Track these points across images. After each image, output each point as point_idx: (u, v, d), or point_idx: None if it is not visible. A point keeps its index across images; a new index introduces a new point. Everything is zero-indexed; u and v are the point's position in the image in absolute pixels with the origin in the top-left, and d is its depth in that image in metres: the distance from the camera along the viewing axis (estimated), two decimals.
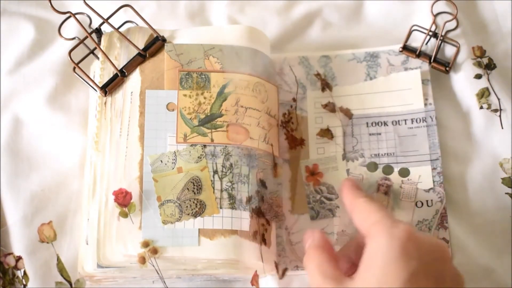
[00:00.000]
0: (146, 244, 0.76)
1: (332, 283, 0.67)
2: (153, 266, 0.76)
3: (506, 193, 0.85)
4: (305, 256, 0.72)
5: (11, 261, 0.82)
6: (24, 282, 0.80)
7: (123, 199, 0.78)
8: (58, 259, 0.83)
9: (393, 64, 0.92)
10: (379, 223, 0.67)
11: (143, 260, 0.76)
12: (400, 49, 0.92)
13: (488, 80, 0.90)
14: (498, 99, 0.89)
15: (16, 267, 0.82)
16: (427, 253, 0.65)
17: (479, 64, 0.91)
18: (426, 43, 0.92)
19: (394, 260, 0.64)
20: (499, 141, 0.88)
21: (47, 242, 0.83)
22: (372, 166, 0.88)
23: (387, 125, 0.89)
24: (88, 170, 0.83)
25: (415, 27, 0.92)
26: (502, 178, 0.86)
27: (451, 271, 0.68)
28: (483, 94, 0.90)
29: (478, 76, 0.91)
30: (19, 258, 0.82)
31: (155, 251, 0.76)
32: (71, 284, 0.82)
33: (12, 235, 0.84)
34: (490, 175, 0.87)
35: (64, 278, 0.82)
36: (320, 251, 0.71)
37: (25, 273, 0.80)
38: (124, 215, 0.78)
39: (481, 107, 0.89)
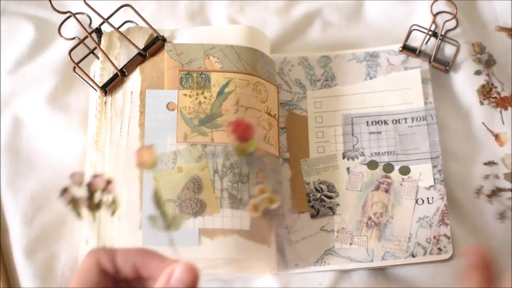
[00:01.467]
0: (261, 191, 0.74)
1: None
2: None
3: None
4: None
5: (100, 182, 0.75)
6: (112, 209, 0.74)
7: (243, 132, 0.67)
8: None
9: (393, 64, 0.93)
10: None
11: (255, 208, 0.73)
12: (400, 49, 0.93)
13: (488, 76, 0.90)
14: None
15: (106, 190, 0.76)
16: None
17: (479, 61, 0.91)
18: (426, 43, 0.92)
19: None
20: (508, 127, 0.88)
21: (145, 168, 0.76)
22: (373, 165, 0.88)
23: (387, 124, 0.89)
24: (88, 169, 0.83)
25: (414, 27, 0.92)
26: (504, 174, 0.86)
27: None
28: (483, 90, 0.90)
29: (478, 72, 0.91)
30: (109, 181, 0.75)
31: (271, 200, 0.75)
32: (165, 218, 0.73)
33: (12, 235, 0.84)
34: (500, 163, 0.87)
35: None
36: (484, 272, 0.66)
37: (114, 199, 0.73)
38: (241, 152, 0.68)
39: (482, 103, 0.89)
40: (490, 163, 0.87)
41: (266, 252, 0.79)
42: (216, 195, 0.78)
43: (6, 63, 0.93)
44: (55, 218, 0.85)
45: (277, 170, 0.84)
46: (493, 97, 0.89)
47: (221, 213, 0.78)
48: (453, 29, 0.92)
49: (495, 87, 0.90)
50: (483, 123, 0.89)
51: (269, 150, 0.83)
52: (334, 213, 0.86)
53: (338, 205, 0.86)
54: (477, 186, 0.86)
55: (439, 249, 0.83)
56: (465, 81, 0.91)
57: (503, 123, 0.88)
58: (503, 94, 0.89)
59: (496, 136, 0.88)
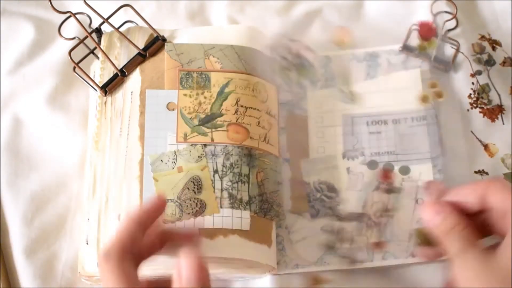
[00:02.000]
0: (433, 85, 0.80)
1: (472, 251, 0.68)
2: None
3: None
4: (445, 234, 0.70)
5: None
6: None
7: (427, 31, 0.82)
8: None
9: (393, 64, 0.92)
10: None
11: (426, 99, 0.81)
12: (400, 49, 0.93)
13: (488, 76, 0.90)
14: (499, 95, 0.89)
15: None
16: None
17: (478, 60, 0.91)
18: None
19: None
20: (500, 138, 0.88)
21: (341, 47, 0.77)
22: (373, 164, 0.88)
23: (387, 124, 0.89)
24: (88, 170, 0.83)
25: (415, 27, 0.92)
26: (504, 174, 0.86)
27: None
28: (483, 90, 0.90)
29: (478, 73, 0.91)
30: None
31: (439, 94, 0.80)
32: None
33: (12, 235, 0.85)
34: (491, 173, 0.87)
35: None
36: (463, 225, 0.69)
37: None
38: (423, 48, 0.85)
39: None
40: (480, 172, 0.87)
41: (266, 252, 0.79)
42: (216, 195, 0.78)
43: (6, 63, 0.94)
44: (55, 218, 0.86)
45: (277, 170, 0.84)
46: (480, 107, 0.89)
47: (221, 213, 0.78)
48: (453, 29, 0.92)
49: (484, 96, 0.90)
50: (471, 131, 0.89)
51: (269, 150, 0.83)
52: (334, 213, 0.86)
53: (338, 205, 0.86)
54: None
55: None
56: (465, 81, 0.91)
57: (503, 123, 0.88)
58: (494, 103, 0.89)
59: (485, 147, 0.88)
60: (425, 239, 0.76)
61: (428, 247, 0.75)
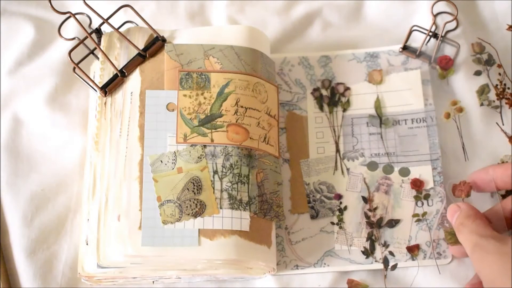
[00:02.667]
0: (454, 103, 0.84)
1: (492, 241, 0.72)
2: None
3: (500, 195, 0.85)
4: (457, 229, 0.78)
5: (340, 89, 0.87)
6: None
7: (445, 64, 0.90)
8: None
9: (393, 65, 0.92)
10: None
11: (447, 116, 0.86)
12: (400, 50, 0.92)
13: (488, 76, 0.90)
14: (496, 91, 0.89)
15: (343, 95, 0.88)
16: None
17: (478, 61, 0.91)
18: (426, 44, 0.92)
19: None
20: (499, 138, 0.88)
21: None
22: (373, 166, 0.88)
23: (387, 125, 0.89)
24: (88, 170, 0.83)
25: (415, 28, 0.92)
26: None
27: None
28: (483, 91, 0.90)
29: (478, 73, 0.91)
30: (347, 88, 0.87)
31: (460, 110, 0.84)
32: None
33: (12, 235, 0.84)
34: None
35: None
36: (474, 218, 0.77)
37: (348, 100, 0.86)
38: (443, 76, 0.90)
39: (482, 104, 0.89)
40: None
41: (266, 253, 0.79)
42: (216, 195, 0.78)
43: (6, 63, 0.94)
44: (55, 218, 0.86)
45: (277, 170, 0.84)
46: (506, 98, 0.89)
47: (220, 214, 0.78)
48: (454, 29, 0.92)
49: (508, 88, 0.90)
50: (497, 123, 0.89)
51: (269, 151, 0.83)
52: (333, 214, 0.86)
53: (338, 206, 0.86)
54: None
55: (439, 253, 0.83)
56: (465, 82, 0.91)
57: (503, 124, 0.88)
58: (494, 103, 0.90)
59: (510, 139, 0.88)
60: (454, 238, 0.80)
61: (459, 245, 0.79)
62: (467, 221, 0.77)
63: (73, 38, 0.88)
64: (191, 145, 0.80)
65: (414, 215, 0.84)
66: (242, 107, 0.82)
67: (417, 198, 0.85)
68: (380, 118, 0.89)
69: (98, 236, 0.77)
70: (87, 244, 0.78)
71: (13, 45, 0.95)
